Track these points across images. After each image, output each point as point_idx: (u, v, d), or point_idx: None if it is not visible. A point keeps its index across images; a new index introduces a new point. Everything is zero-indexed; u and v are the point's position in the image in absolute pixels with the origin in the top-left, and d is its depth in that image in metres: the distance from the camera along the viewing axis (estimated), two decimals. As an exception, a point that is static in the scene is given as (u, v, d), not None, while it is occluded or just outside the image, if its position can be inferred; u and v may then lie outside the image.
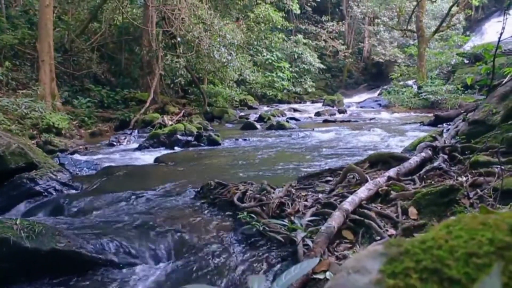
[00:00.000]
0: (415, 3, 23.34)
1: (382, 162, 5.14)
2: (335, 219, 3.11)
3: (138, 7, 18.92)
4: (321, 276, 2.47)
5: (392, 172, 4.30)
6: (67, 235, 3.19)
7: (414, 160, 4.74)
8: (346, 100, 25.95)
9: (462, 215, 0.62)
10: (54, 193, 5.49)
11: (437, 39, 26.43)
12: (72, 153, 9.31)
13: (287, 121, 15.05)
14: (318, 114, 18.78)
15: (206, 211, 4.27)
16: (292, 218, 3.41)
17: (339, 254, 2.88)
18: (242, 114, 19.23)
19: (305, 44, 30.12)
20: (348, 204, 3.39)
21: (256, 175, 6.14)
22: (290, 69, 28.18)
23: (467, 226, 0.58)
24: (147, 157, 8.72)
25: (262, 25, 22.50)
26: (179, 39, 15.96)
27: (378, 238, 3.04)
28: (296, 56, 28.79)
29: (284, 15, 25.51)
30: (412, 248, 0.58)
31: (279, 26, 24.15)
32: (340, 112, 19.83)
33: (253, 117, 17.50)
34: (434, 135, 6.59)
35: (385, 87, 26.35)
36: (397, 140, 9.55)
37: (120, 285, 2.90)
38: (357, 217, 3.31)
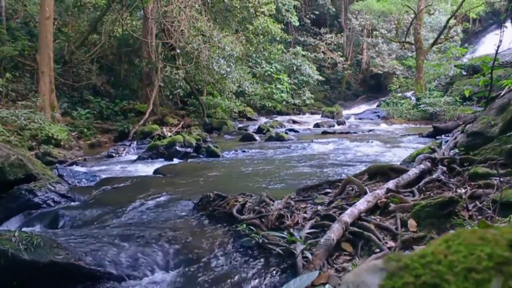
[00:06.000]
0: (413, 15, 23.54)
1: (381, 174, 5.15)
2: (334, 232, 3.10)
3: (138, 19, 19.04)
4: (320, 289, 2.46)
5: (391, 184, 4.30)
6: (65, 247, 3.18)
7: (413, 172, 4.75)
8: (344, 112, 26.01)
9: (461, 229, 0.63)
10: (53, 205, 5.47)
11: (435, 51, 26.58)
12: (71, 164, 9.30)
13: (286, 133, 15.06)
14: (317, 125, 18.82)
15: (205, 223, 4.26)
16: (291, 230, 3.40)
17: (339, 266, 2.88)
18: (241, 125, 19.23)
19: (304, 56, 30.22)
20: (347, 216, 3.38)
21: (255, 187, 6.13)
22: (289, 80, 28.27)
23: (466, 241, 0.58)
24: (146, 169, 8.71)
25: (261, 37, 22.59)
26: (178, 51, 16.01)
27: (377, 250, 3.03)
28: (295, 68, 28.86)
29: (283, 27, 25.64)
30: (411, 263, 0.58)
31: (278, 38, 24.25)
32: (339, 123, 19.84)
33: (252, 128, 17.49)
34: (432, 146, 6.61)
35: (384, 98, 26.41)
36: (395, 152, 9.55)
37: (119, 298, 2.89)
38: (356, 229, 3.30)
